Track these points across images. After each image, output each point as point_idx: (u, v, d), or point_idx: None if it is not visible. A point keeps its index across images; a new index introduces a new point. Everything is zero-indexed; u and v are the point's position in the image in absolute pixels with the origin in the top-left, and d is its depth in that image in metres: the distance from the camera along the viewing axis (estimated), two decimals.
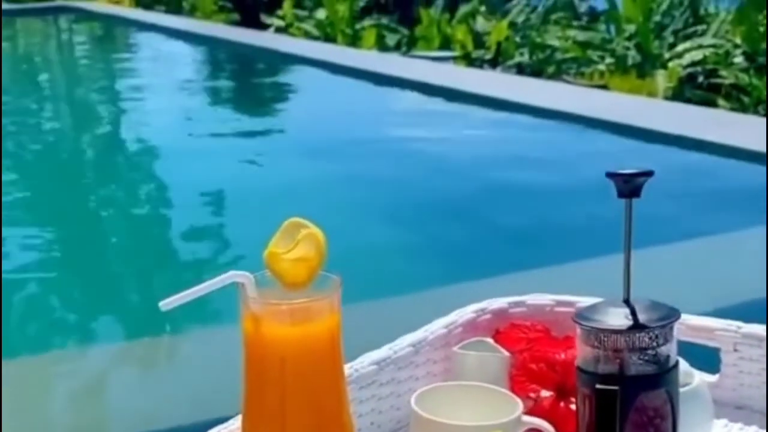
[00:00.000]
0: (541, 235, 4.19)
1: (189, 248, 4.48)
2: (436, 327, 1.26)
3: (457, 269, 3.80)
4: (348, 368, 1.11)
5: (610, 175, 1.07)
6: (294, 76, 10.13)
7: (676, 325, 1.03)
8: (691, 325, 1.27)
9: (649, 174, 1.06)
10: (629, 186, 1.06)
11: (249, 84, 10.17)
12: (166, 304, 0.87)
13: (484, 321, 1.30)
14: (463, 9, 18.99)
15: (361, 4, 20.62)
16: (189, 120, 7.67)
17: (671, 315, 1.03)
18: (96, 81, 10.90)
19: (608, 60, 12.10)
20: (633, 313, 1.03)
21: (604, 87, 9.94)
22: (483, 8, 21.08)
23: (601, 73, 11.44)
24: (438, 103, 7.52)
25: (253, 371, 0.88)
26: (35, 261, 4.40)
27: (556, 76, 11.66)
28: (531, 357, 1.19)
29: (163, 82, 9.86)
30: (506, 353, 1.21)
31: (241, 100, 9.17)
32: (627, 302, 1.05)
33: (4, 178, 5.89)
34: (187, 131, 7.20)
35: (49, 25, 17.64)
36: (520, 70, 12.86)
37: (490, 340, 1.25)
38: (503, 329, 1.28)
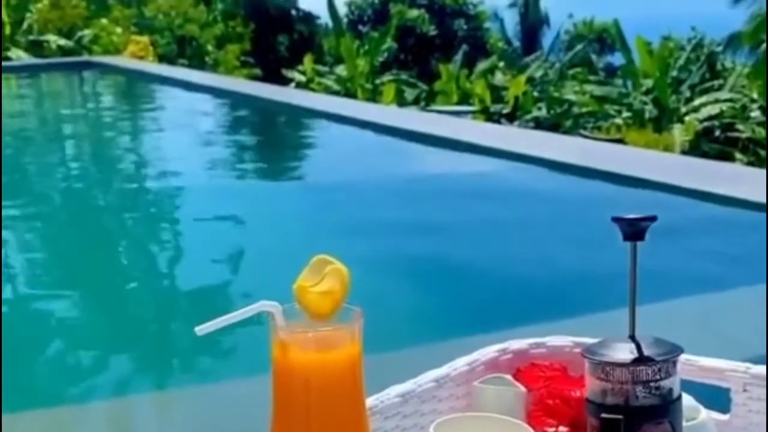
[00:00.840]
0: (556, 283, 4.23)
1: (209, 297, 4.53)
2: (460, 364, 1.31)
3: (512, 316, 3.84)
4: (374, 399, 1.16)
5: (616, 219, 1.14)
6: (315, 130, 10.26)
7: (689, 366, 1.09)
8: (703, 366, 1.32)
9: (652, 219, 1.13)
10: (633, 230, 1.13)
11: (270, 138, 10.31)
12: (202, 329, 0.95)
13: (505, 360, 1.36)
14: (482, 65, 19.24)
15: (381, 59, 20.94)
16: (210, 171, 7.79)
17: (674, 350, 1.09)
18: (120, 134, 11.09)
19: (625, 114, 12.22)
20: (638, 348, 1.09)
21: (620, 141, 10.02)
22: (501, 63, 21.36)
23: (618, 127, 11.54)
24: (460, 158, 7.59)
25: (281, 392, 0.95)
26: (63, 310, 4.47)
27: (573, 130, 11.76)
28: (548, 393, 1.25)
29: (186, 136, 10.00)
30: (523, 389, 1.27)
31: (262, 153, 9.29)
32: (632, 338, 1.12)
33: (28, 227, 6.01)
34: (209, 183, 7.30)
35: (74, 79, 17.96)
36: (538, 124, 12.98)
37: (509, 377, 1.31)
38: (524, 368, 1.34)
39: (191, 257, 5.19)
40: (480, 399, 1.26)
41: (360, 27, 29.34)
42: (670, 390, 1.08)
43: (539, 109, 13.58)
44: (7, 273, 4.82)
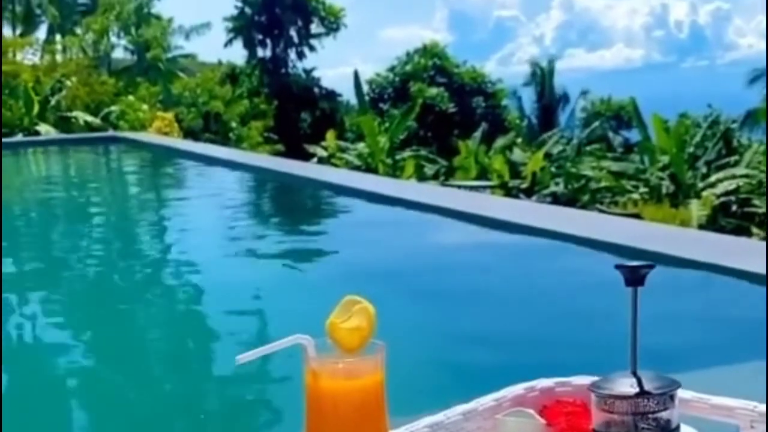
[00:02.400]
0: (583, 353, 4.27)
1: (227, 373, 4.59)
2: (487, 399, 1.40)
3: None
4: (404, 429, 1.26)
5: (619, 267, 1.26)
6: (337, 204, 10.41)
7: (701, 404, 1.19)
8: (714, 404, 1.41)
9: (650, 266, 1.25)
10: (634, 276, 1.25)
11: (293, 212, 10.46)
12: (242, 358, 1.07)
13: (532, 397, 1.44)
14: (500, 141, 19.52)
15: (401, 136, 21.30)
16: (233, 244, 7.91)
17: (672, 385, 1.20)
18: (145, 208, 11.31)
19: (642, 189, 12.36)
20: (639, 382, 1.20)
21: (637, 216, 10.11)
22: (519, 140, 21.64)
23: (635, 202, 11.65)
24: (477, 233, 7.68)
25: (312, 416, 1.08)
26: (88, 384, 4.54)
27: (590, 205, 11.88)
28: (568, 427, 1.35)
29: (210, 210, 10.18)
30: (543, 421, 1.36)
31: (284, 227, 9.43)
32: (634, 373, 1.22)
33: (52, 299, 6.14)
34: (232, 257, 7.40)
35: (100, 154, 18.33)
36: (556, 198, 13.12)
37: (531, 411, 1.40)
38: (549, 405, 1.43)
39: (212, 334, 5.24)
40: (502, 430, 1.35)
41: (381, 104, 29.87)
42: (668, 421, 1.18)
43: (557, 184, 13.73)
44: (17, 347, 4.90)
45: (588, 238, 6.18)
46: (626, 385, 1.20)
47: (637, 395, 1.19)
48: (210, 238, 8.20)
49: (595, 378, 1.49)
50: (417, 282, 5.97)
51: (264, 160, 15.22)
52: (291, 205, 10.94)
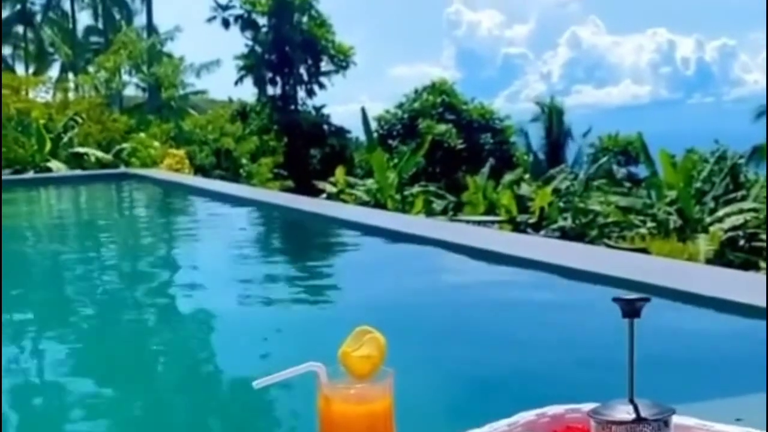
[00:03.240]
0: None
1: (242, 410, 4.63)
2: (500, 425, 1.45)
3: None
4: None
5: (616, 299, 1.34)
6: (345, 240, 10.48)
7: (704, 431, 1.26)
8: (715, 431, 1.47)
9: (646, 299, 1.33)
10: (631, 308, 1.33)
11: (301, 247, 10.54)
12: (260, 383, 1.15)
13: (543, 423, 1.50)
14: (508, 176, 19.64)
15: (410, 172, 21.44)
16: (242, 280, 7.97)
17: (667, 411, 1.27)
18: (156, 243, 11.41)
19: (650, 224, 12.41)
20: (636, 409, 1.27)
21: (644, 250, 10.16)
22: (527, 175, 21.75)
23: (642, 237, 11.70)
24: (491, 269, 7.71)
25: None
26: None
27: (598, 240, 11.93)
28: None
29: (220, 245, 10.26)
30: None
31: (292, 262, 9.50)
32: (632, 401, 1.29)
33: (63, 333, 6.20)
34: (240, 291, 7.46)
35: (112, 190, 18.50)
36: (564, 233, 13.17)
37: None
38: (559, 430, 1.49)
39: (221, 372, 5.26)
40: None
41: (390, 141, 30.07)
42: None
43: (565, 219, 13.79)
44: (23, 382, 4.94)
45: (590, 271, 6.24)
46: (623, 412, 1.27)
47: (634, 421, 1.25)
48: (219, 274, 8.26)
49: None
50: (425, 317, 6.01)
51: (273, 195, 15.34)
52: (300, 240, 11.02)
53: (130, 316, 6.96)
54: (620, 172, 18.60)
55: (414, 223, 11.60)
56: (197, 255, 9.99)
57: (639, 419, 1.26)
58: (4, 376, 4.92)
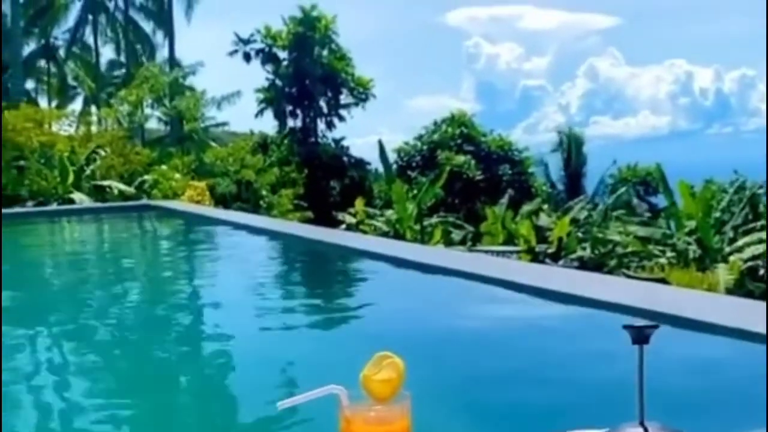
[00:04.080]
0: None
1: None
2: None
3: None
4: None
5: (626, 327, 1.42)
6: (364, 270, 10.56)
7: None
8: None
9: (655, 326, 1.41)
10: (640, 335, 1.41)
11: (321, 278, 10.61)
12: (283, 404, 1.24)
13: None
14: (527, 207, 19.69)
15: (429, 202, 21.54)
16: (263, 310, 8.05)
17: None
18: (176, 274, 11.53)
19: (669, 254, 12.41)
20: (645, 431, 1.35)
21: (663, 280, 10.16)
22: (546, 206, 21.78)
23: (662, 267, 11.70)
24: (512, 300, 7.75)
25: None
26: None
27: (617, 270, 11.94)
28: None
29: (239, 275, 10.36)
30: None
31: (312, 293, 9.57)
32: (642, 423, 1.37)
33: (89, 366, 6.29)
34: (260, 322, 7.53)
35: (134, 222, 18.70)
36: (583, 263, 13.20)
37: None
38: None
39: (241, 402, 5.28)
40: None
41: (409, 172, 30.22)
42: None
43: (583, 249, 13.81)
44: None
45: (605, 300, 6.28)
46: None
47: None
48: (240, 304, 8.34)
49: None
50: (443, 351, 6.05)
51: (293, 227, 15.47)
52: (319, 271, 11.11)
53: (150, 345, 7.05)
54: (640, 203, 18.60)
55: (431, 253, 11.67)
56: (217, 284, 10.10)
57: None
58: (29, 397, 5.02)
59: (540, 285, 7.16)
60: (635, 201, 16.67)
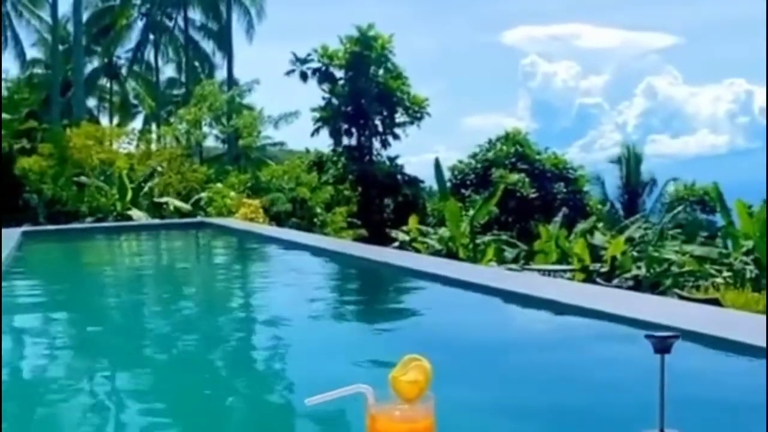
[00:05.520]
0: None
1: None
2: None
3: None
4: None
5: (648, 336, 1.47)
6: (417, 290, 10.57)
7: None
8: None
9: (676, 337, 1.46)
10: (662, 345, 1.46)
11: (373, 297, 10.67)
12: (312, 401, 1.31)
13: None
14: (581, 225, 19.57)
15: (482, 220, 21.52)
16: (315, 328, 8.13)
17: None
18: (227, 289, 11.71)
19: (725, 273, 12.25)
20: None
21: (715, 301, 9.99)
22: (600, 224, 21.62)
23: (717, 287, 11.55)
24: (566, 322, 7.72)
25: None
26: None
27: (672, 289, 11.82)
28: None
29: (292, 293, 10.46)
30: None
31: (364, 312, 9.63)
32: (662, 430, 1.42)
33: (143, 372, 6.43)
34: (314, 339, 7.60)
35: (189, 238, 19.00)
36: (637, 282, 13.07)
37: None
38: None
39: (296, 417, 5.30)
40: None
41: (462, 190, 30.25)
42: None
43: (638, 267, 13.68)
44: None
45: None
46: None
47: None
48: (291, 319, 8.44)
49: None
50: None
51: (344, 245, 15.59)
52: (370, 289, 11.18)
53: (208, 359, 7.17)
54: (698, 222, 18.36)
55: (482, 273, 11.66)
56: (268, 301, 10.23)
57: None
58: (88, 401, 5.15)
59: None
60: (692, 217, 16.44)
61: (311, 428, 4.71)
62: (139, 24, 37.16)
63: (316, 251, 13.32)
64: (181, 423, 5.15)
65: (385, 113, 31.94)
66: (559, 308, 7.46)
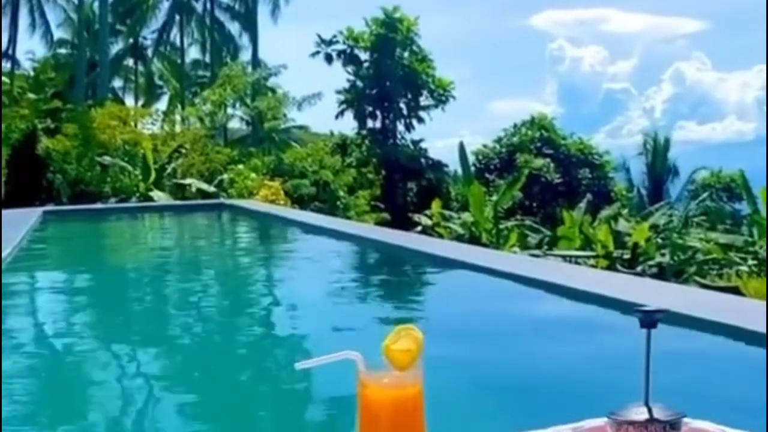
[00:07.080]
0: None
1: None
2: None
3: None
4: None
5: (636, 310, 1.47)
6: (440, 275, 10.52)
7: None
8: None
9: (664, 311, 1.46)
10: (649, 319, 1.46)
11: (394, 281, 10.64)
12: (301, 364, 1.33)
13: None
14: (606, 211, 19.46)
15: (506, 205, 21.44)
16: (335, 311, 8.11)
17: (678, 414, 1.39)
18: (250, 269, 11.76)
19: (750, 261, 12.15)
20: (649, 411, 1.40)
21: (735, 289, 9.87)
22: (625, 210, 21.51)
23: (739, 275, 11.47)
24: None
25: (364, 418, 1.31)
26: None
27: (695, 277, 11.75)
28: None
29: (312, 276, 10.46)
30: None
31: (384, 295, 9.61)
32: (647, 404, 1.42)
33: (164, 353, 6.49)
34: (333, 321, 7.59)
35: (211, 219, 19.09)
36: (661, 270, 12.99)
37: None
38: None
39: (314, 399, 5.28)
40: None
41: (487, 174, 30.15)
42: None
43: (662, 255, 13.59)
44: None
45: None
46: (638, 414, 1.39)
47: (646, 421, 1.37)
48: (311, 301, 8.46)
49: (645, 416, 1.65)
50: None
51: (363, 229, 15.60)
52: (390, 273, 11.17)
53: (222, 326, 7.26)
54: (722, 208, 18.22)
55: (505, 259, 11.61)
56: (288, 283, 10.27)
57: (651, 420, 1.38)
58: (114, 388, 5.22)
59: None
60: (717, 204, 16.30)
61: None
62: (165, 4, 37.23)
63: (336, 234, 13.31)
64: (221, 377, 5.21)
65: (409, 96, 31.87)
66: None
